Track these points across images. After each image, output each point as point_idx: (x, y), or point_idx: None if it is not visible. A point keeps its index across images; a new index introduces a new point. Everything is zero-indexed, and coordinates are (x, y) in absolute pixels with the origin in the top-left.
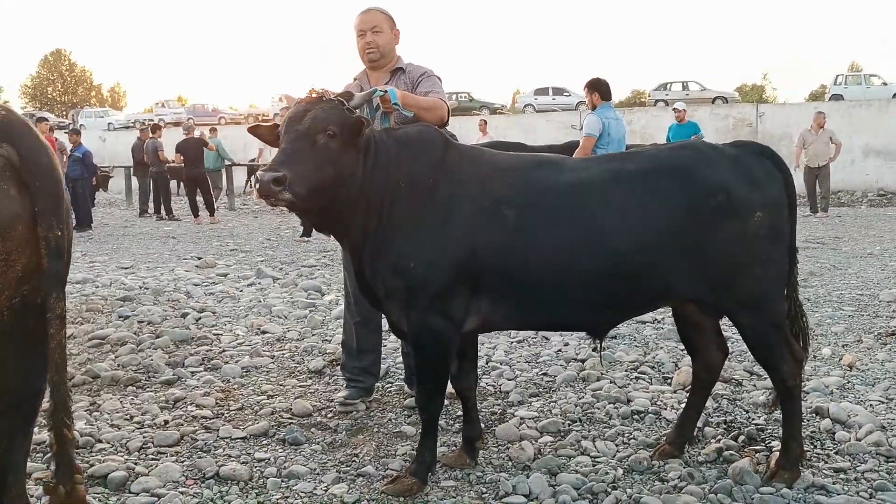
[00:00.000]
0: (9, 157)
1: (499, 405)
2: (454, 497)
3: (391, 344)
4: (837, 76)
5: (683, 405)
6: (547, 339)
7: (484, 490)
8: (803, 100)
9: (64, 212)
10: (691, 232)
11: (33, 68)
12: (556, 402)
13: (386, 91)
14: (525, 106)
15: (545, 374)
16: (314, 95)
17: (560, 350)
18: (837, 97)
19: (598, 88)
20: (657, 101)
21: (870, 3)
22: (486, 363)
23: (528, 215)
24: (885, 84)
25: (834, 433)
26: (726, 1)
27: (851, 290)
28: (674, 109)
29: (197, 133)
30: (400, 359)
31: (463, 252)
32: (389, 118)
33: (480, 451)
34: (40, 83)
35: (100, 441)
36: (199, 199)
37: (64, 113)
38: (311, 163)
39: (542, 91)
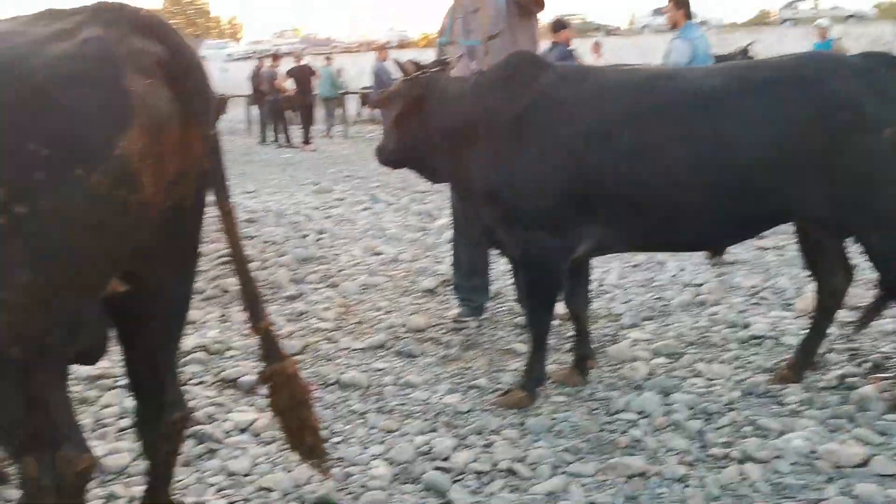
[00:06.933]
0: (159, 55)
1: (610, 327)
2: (565, 411)
3: (502, 266)
4: None
5: (805, 332)
6: (662, 263)
7: (595, 406)
8: None
9: (213, 112)
10: (817, 147)
11: (159, 3)
12: (670, 325)
13: None
14: (643, 27)
15: (659, 298)
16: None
17: (675, 275)
18: None
19: (686, 5)
20: (784, 20)
21: None
22: (599, 286)
23: (645, 133)
24: None
25: None
26: None
27: None
28: (817, 26)
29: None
30: (511, 280)
31: (566, 177)
32: None
33: (591, 370)
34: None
35: (230, 348)
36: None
37: None
38: (393, 132)
39: (661, 11)
